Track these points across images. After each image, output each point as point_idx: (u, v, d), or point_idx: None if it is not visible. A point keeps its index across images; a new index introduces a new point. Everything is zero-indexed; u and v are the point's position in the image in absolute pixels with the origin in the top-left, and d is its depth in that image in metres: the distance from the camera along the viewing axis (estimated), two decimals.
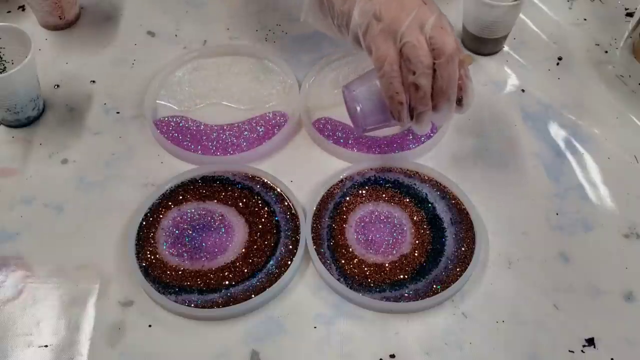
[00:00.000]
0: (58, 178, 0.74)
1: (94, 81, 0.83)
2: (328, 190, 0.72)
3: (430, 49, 0.63)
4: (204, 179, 0.73)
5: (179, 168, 0.75)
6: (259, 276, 0.67)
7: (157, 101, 0.80)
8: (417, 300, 0.65)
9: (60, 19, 0.87)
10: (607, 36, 0.88)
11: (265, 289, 0.65)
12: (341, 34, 0.69)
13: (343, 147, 0.76)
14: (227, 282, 0.66)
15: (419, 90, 0.64)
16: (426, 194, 0.72)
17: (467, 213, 0.71)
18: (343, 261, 0.68)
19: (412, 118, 0.67)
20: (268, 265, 0.67)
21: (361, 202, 0.72)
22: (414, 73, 0.63)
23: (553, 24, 0.90)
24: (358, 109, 0.69)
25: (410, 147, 0.76)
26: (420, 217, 0.71)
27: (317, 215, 0.71)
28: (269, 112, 0.79)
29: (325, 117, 0.78)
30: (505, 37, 0.85)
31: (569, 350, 0.63)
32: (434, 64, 0.63)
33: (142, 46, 0.87)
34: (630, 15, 0.90)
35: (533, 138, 0.78)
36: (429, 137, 0.77)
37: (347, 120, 0.75)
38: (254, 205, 0.71)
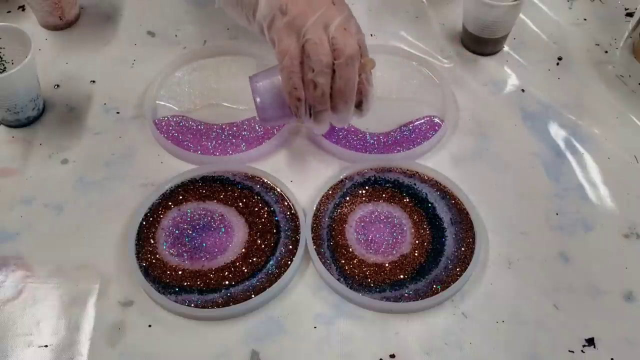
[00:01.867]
0: (58, 178, 0.74)
1: (94, 81, 0.83)
2: (328, 190, 0.72)
3: (332, 49, 0.63)
4: (204, 179, 0.73)
5: (179, 168, 0.75)
6: (259, 276, 0.67)
7: (157, 102, 0.80)
8: (417, 300, 0.65)
9: (60, 19, 0.87)
10: (607, 36, 0.88)
11: (265, 289, 0.65)
12: (249, 23, 0.70)
13: (343, 147, 0.76)
14: (227, 282, 0.66)
15: (317, 89, 0.64)
16: (426, 194, 0.72)
17: (467, 213, 0.71)
18: (343, 261, 0.68)
19: (310, 116, 0.67)
20: (268, 265, 0.67)
21: (361, 202, 0.72)
22: (314, 71, 0.63)
23: (553, 24, 0.90)
24: (257, 100, 0.69)
25: (410, 147, 0.76)
26: (420, 217, 0.71)
27: (317, 215, 0.71)
28: None
29: None
30: (505, 37, 0.85)
31: (569, 350, 0.63)
32: (333, 64, 0.63)
33: (142, 46, 0.87)
34: (630, 15, 0.90)
35: (533, 138, 0.78)
36: (428, 137, 0.77)
37: None
38: (254, 205, 0.71)
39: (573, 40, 0.88)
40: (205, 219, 0.70)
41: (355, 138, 0.77)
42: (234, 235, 0.69)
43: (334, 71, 0.64)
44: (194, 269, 0.67)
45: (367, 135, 0.77)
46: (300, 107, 0.66)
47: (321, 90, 0.64)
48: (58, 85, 0.82)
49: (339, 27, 0.63)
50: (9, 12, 0.90)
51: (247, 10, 0.68)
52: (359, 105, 0.67)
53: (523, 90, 0.82)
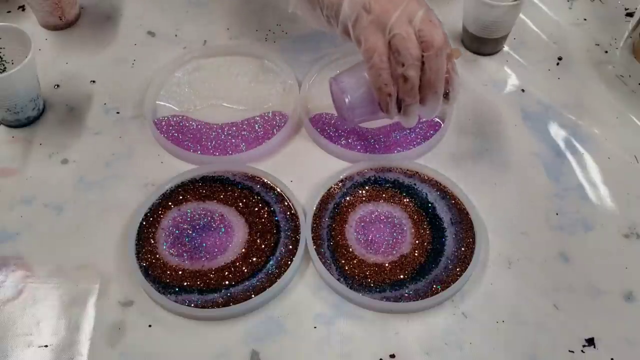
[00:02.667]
0: (58, 178, 0.74)
1: (94, 81, 0.83)
2: (328, 190, 0.72)
3: (419, 41, 0.63)
4: (204, 179, 0.73)
5: (179, 168, 0.75)
6: (259, 276, 0.67)
7: (157, 102, 0.80)
8: (417, 300, 0.65)
9: (61, 19, 0.87)
10: (607, 36, 0.88)
11: (265, 289, 0.65)
12: (330, 25, 0.69)
13: (343, 147, 0.76)
14: (227, 282, 0.66)
15: (407, 82, 0.64)
16: (426, 194, 0.72)
17: (467, 213, 0.71)
18: (343, 261, 0.68)
19: (399, 110, 0.67)
20: (268, 265, 0.67)
21: (361, 202, 0.72)
22: (403, 65, 0.63)
23: (553, 24, 0.90)
24: (347, 100, 0.69)
25: (410, 147, 0.76)
26: (420, 217, 0.71)
27: (317, 215, 0.71)
28: (269, 112, 0.79)
29: (326, 112, 0.78)
30: (505, 37, 0.85)
31: (569, 350, 0.63)
32: (422, 56, 0.63)
33: (142, 46, 0.87)
34: (630, 15, 0.90)
35: (533, 138, 0.78)
36: (428, 137, 0.77)
37: None
38: (254, 205, 0.71)
39: (573, 40, 0.88)
40: (205, 219, 0.70)
41: (356, 138, 0.77)
42: (234, 235, 0.69)
43: (422, 63, 0.64)
44: (194, 269, 0.67)
45: (368, 135, 0.77)
46: (391, 102, 0.66)
47: (411, 83, 0.64)
48: (58, 85, 0.82)
49: (423, 19, 0.63)
50: (9, 12, 0.90)
51: (329, 12, 0.68)
52: (446, 95, 0.67)
53: (523, 90, 0.82)
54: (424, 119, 0.77)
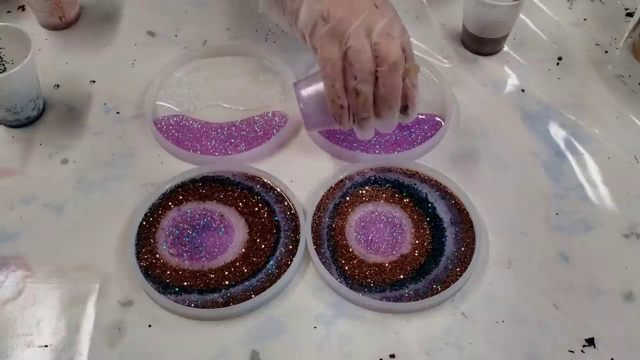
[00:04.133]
0: (58, 178, 0.74)
1: (94, 81, 0.83)
2: (328, 190, 0.72)
3: (374, 55, 0.61)
4: (204, 179, 0.73)
5: (179, 168, 0.75)
6: (259, 276, 0.67)
7: (157, 102, 0.80)
8: (417, 300, 0.65)
9: (61, 19, 0.87)
10: (607, 36, 0.88)
11: (265, 289, 0.65)
12: (291, 30, 0.69)
13: (343, 147, 0.76)
14: (227, 282, 0.66)
15: (360, 96, 0.63)
16: (426, 194, 0.72)
17: (467, 213, 0.71)
18: (343, 261, 0.68)
19: (354, 122, 0.66)
20: (268, 265, 0.67)
21: (361, 202, 0.72)
22: (356, 78, 0.62)
23: (553, 24, 0.90)
24: (301, 106, 0.69)
25: (410, 147, 0.76)
26: (420, 217, 0.71)
27: (317, 215, 0.71)
28: (269, 112, 0.79)
29: None
30: (505, 37, 0.85)
31: (569, 350, 0.63)
32: (376, 71, 0.62)
33: (142, 46, 0.87)
34: (630, 15, 0.91)
35: (533, 138, 0.78)
36: (428, 137, 0.77)
37: None
38: (254, 205, 0.71)
39: (573, 40, 0.88)
40: (205, 219, 0.70)
41: (356, 138, 0.77)
42: (234, 235, 0.69)
43: (377, 77, 0.62)
44: (194, 269, 0.67)
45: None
46: (344, 114, 0.65)
47: (364, 97, 0.63)
48: (58, 85, 0.82)
49: (381, 32, 0.61)
50: (9, 12, 0.90)
51: (290, 18, 0.67)
52: (404, 110, 0.66)
53: (523, 90, 0.82)
54: (383, 132, 0.76)
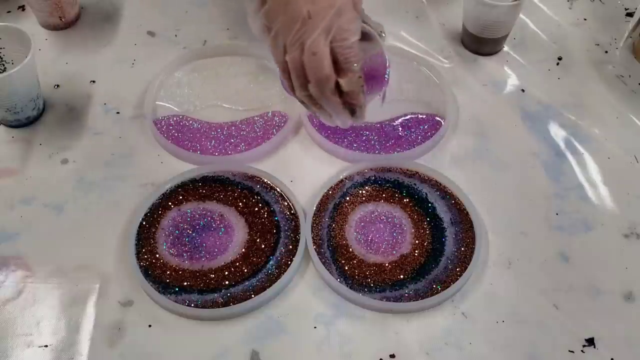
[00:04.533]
0: (58, 178, 0.74)
1: (94, 81, 0.83)
2: (328, 190, 0.72)
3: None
4: (204, 179, 0.73)
5: (179, 168, 0.75)
6: (259, 276, 0.67)
7: (157, 102, 0.80)
8: (417, 300, 0.65)
9: (61, 19, 0.87)
10: (607, 36, 0.88)
11: (265, 289, 0.65)
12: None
13: (343, 147, 0.76)
14: (227, 282, 0.66)
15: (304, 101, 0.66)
16: (426, 194, 0.72)
17: (467, 213, 0.71)
18: (343, 261, 0.68)
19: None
20: (268, 265, 0.67)
21: (361, 202, 0.72)
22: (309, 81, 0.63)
23: (553, 24, 0.90)
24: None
25: (410, 147, 0.76)
26: (420, 217, 0.71)
27: (317, 215, 0.71)
28: (269, 112, 0.79)
29: None
30: (505, 37, 0.85)
31: (569, 350, 0.63)
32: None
33: (142, 46, 0.87)
34: (630, 15, 0.90)
35: (533, 138, 0.78)
36: (428, 137, 0.77)
37: None
38: (254, 205, 0.71)
39: (573, 40, 0.88)
40: (205, 219, 0.70)
41: (356, 138, 0.77)
42: (234, 235, 0.69)
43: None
44: (194, 269, 0.67)
45: (368, 135, 0.77)
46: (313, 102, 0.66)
47: (308, 100, 0.65)
48: (58, 85, 0.82)
49: (307, 50, 0.61)
50: (9, 12, 0.90)
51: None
52: (352, 113, 0.67)
53: (523, 90, 0.82)
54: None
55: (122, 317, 0.65)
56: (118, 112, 0.80)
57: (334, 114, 0.66)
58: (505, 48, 0.87)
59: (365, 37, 0.65)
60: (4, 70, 0.78)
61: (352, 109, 0.66)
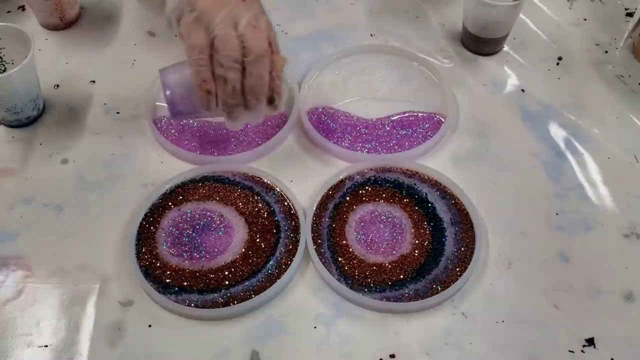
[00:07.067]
0: (58, 178, 0.74)
1: (94, 81, 0.83)
2: (328, 190, 0.72)
3: (241, 46, 0.63)
4: (204, 179, 0.73)
5: (179, 168, 0.75)
6: (259, 276, 0.67)
7: (157, 102, 0.80)
8: (417, 300, 0.65)
9: (61, 19, 0.87)
10: (607, 36, 0.88)
11: (265, 289, 0.65)
12: (159, 16, 0.69)
13: (343, 147, 0.76)
14: (227, 282, 0.66)
15: (227, 84, 0.64)
16: (426, 194, 0.72)
17: (467, 213, 0.71)
18: (343, 261, 0.68)
19: (227, 114, 0.67)
20: (268, 265, 0.67)
21: (361, 202, 0.72)
22: (223, 66, 0.63)
23: (553, 24, 0.90)
24: (168, 93, 0.68)
25: (410, 147, 0.76)
26: (420, 217, 0.71)
27: (317, 215, 0.71)
28: None
29: (326, 106, 0.79)
30: (505, 37, 0.85)
31: (569, 350, 0.63)
32: (243, 61, 0.63)
33: (142, 46, 0.87)
34: (630, 15, 0.90)
35: (533, 138, 0.78)
36: (428, 137, 0.77)
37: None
38: (254, 205, 0.71)
39: (573, 40, 0.88)
40: (205, 219, 0.70)
41: (356, 138, 0.77)
42: (234, 235, 0.69)
43: (244, 68, 0.63)
44: (194, 269, 0.67)
45: (368, 135, 0.77)
46: (211, 99, 0.65)
47: (231, 85, 0.64)
48: (58, 85, 0.82)
49: (247, 24, 0.63)
50: (9, 12, 0.90)
51: (157, 4, 0.67)
52: (271, 102, 0.67)
53: (523, 90, 0.82)
54: (251, 124, 0.76)
55: (122, 317, 0.65)
56: (118, 112, 0.80)
57: (254, 102, 0.65)
58: (505, 48, 0.87)
59: None
60: (4, 70, 0.78)
61: (272, 98, 0.66)
